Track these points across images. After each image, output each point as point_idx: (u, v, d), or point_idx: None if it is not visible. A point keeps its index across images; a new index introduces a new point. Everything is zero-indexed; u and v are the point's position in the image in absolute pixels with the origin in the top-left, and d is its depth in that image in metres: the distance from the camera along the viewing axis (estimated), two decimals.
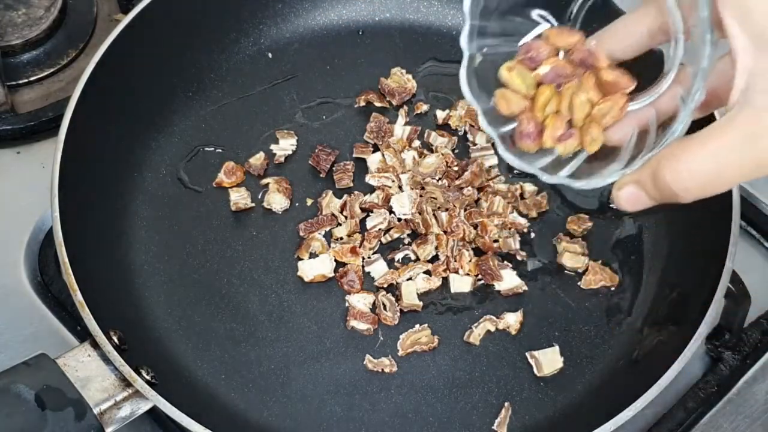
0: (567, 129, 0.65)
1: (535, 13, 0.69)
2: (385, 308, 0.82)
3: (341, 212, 0.86)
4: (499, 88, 0.65)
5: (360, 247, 0.84)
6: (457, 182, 0.86)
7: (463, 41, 0.65)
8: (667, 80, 0.63)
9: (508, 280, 0.83)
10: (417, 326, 0.81)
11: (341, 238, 0.85)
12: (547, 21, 0.69)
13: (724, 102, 0.58)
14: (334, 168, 0.88)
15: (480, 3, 0.65)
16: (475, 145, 0.90)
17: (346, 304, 0.82)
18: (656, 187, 0.59)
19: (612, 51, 0.64)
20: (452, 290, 0.83)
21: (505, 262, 0.84)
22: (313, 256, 0.84)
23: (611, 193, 0.62)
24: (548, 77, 0.65)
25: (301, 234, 0.85)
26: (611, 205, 0.88)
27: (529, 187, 0.88)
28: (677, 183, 0.57)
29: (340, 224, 0.86)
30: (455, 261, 0.83)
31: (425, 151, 0.89)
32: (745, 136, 0.55)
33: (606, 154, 0.65)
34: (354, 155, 0.89)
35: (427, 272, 0.83)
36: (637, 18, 0.63)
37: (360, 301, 0.82)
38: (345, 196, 0.87)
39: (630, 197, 0.61)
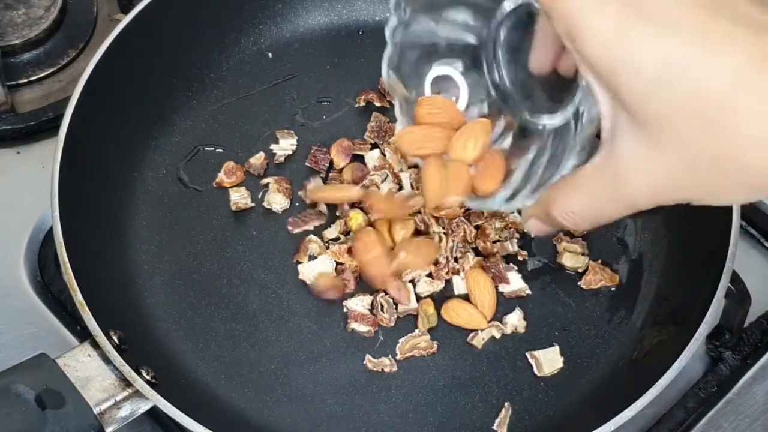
0: None
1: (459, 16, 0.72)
2: (382, 309, 0.81)
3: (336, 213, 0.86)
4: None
5: None
6: None
7: (388, 33, 0.70)
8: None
9: (514, 283, 0.83)
10: (417, 330, 0.81)
11: (337, 239, 0.85)
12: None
13: None
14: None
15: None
16: None
17: (345, 309, 0.82)
18: (551, 222, 0.64)
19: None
20: (456, 292, 0.83)
21: (511, 264, 0.84)
22: (312, 258, 0.84)
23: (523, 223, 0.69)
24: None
25: (290, 228, 0.85)
26: None
27: None
28: (566, 221, 0.62)
29: (324, 212, 0.86)
30: (455, 262, 0.83)
31: None
32: (611, 180, 0.57)
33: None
34: (353, 152, 0.89)
35: (429, 275, 0.83)
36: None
37: (358, 303, 0.82)
38: None
39: (536, 227, 0.66)
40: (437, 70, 0.74)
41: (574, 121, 0.65)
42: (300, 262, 0.84)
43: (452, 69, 0.74)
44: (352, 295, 0.82)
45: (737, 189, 0.54)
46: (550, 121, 0.68)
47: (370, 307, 0.82)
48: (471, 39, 0.73)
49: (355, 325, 0.81)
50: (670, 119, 0.53)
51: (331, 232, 0.85)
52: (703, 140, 0.52)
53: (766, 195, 0.55)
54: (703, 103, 0.51)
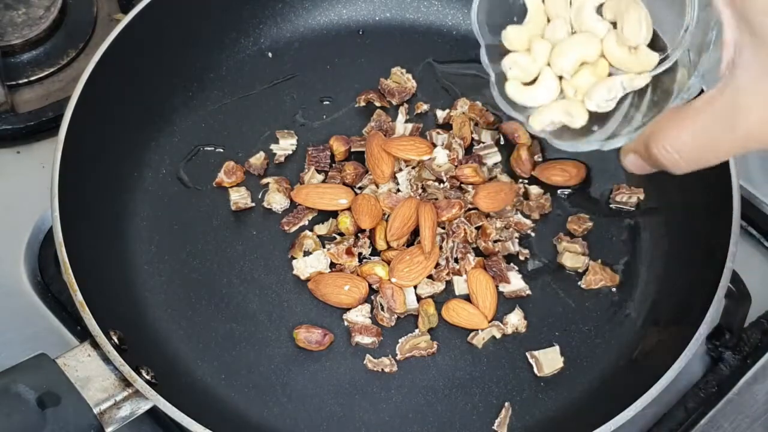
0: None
1: None
2: (382, 309, 0.81)
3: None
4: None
5: (355, 246, 0.84)
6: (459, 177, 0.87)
7: None
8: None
9: (514, 283, 0.83)
10: (417, 330, 0.81)
11: (335, 238, 0.85)
12: None
13: None
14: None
15: None
16: (479, 143, 0.90)
17: (345, 323, 0.82)
18: (651, 159, 0.60)
19: None
20: (457, 293, 0.83)
21: (511, 264, 0.84)
22: (307, 254, 0.84)
23: (620, 159, 0.65)
24: None
25: (285, 229, 0.85)
26: (611, 206, 0.88)
27: (535, 190, 0.88)
28: (667, 158, 0.58)
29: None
30: (456, 263, 0.83)
31: None
32: (727, 112, 0.55)
33: (597, 120, 0.67)
34: (352, 149, 0.89)
35: (430, 276, 0.83)
36: None
37: (358, 314, 0.81)
38: None
39: (634, 164, 0.63)
40: None
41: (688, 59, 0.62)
42: (294, 258, 0.84)
43: None
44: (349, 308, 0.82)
45: None
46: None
47: (370, 315, 0.82)
48: None
49: (359, 338, 0.80)
50: None
51: (321, 229, 0.85)
52: None
53: None
54: None
